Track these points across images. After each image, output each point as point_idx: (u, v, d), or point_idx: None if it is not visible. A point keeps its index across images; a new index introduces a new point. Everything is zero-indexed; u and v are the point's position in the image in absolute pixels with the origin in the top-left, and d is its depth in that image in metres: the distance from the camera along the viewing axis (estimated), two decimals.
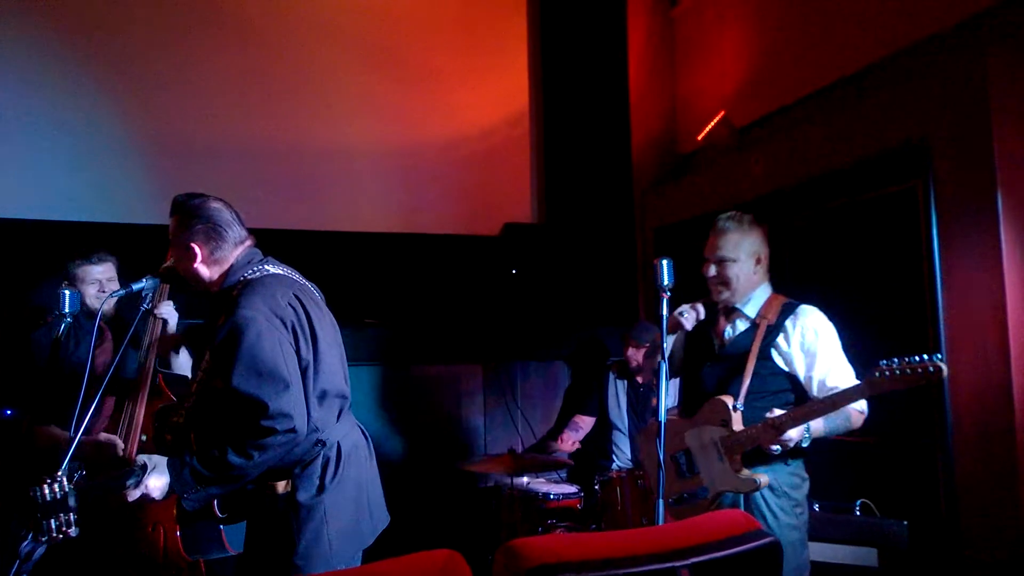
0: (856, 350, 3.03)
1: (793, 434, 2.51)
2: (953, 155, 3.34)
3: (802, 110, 4.46)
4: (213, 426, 2.21)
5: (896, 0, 3.89)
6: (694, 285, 3.00)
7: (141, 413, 2.82)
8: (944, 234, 3.39)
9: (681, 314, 2.85)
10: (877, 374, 2.36)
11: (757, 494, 2.62)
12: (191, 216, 2.32)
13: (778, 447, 2.54)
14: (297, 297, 2.29)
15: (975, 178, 3.24)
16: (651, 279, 2.59)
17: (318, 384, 2.26)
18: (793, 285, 4.10)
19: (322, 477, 2.26)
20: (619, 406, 4.36)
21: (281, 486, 2.24)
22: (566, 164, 5.32)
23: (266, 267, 2.35)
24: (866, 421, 2.67)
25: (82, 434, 2.12)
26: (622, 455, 4.30)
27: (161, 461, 2.15)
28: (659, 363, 2.49)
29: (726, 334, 2.83)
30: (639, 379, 4.33)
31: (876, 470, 3.54)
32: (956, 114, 3.31)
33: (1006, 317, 3.10)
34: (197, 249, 2.31)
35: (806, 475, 2.73)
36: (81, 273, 3.05)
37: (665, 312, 2.65)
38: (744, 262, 2.76)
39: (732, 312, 2.83)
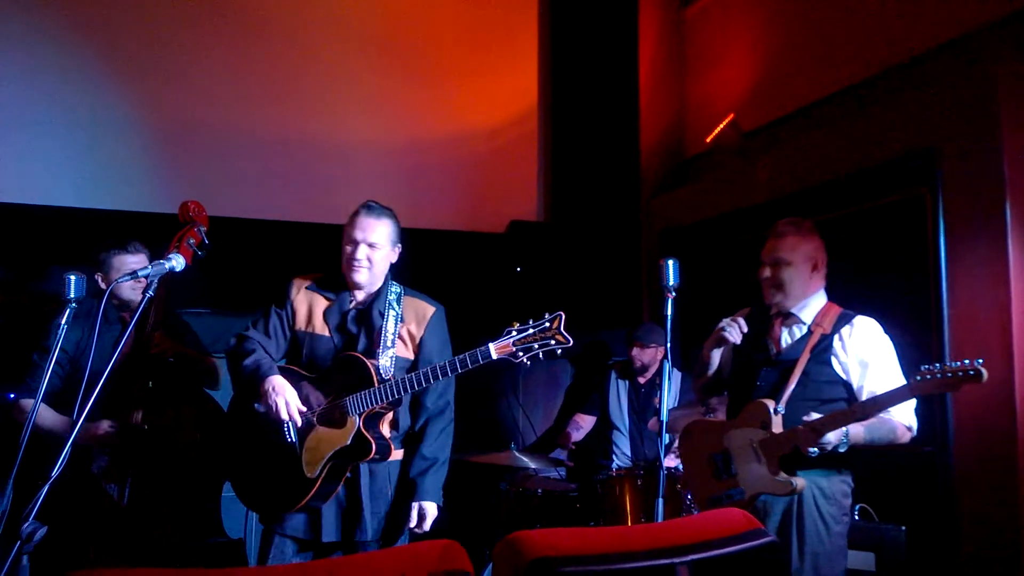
0: None
1: (831, 437, 2.48)
2: (962, 163, 3.33)
3: (810, 116, 4.45)
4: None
5: (907, 9, 3.88)
6: (699, 289, 2.99)
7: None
8: (951, 242, 3.38)
9: (724, 329, 2.81)
10: (919, 377, 2.35)
11: (811, 502, 2.60)
12: (397, 220, 2.71)
13: (815, 450, 2.51)
14: None
15: (983, 186, 3.23)
16: (655, 281, 2.58)
17: None
18: None
19: None
20: (620, 406, 4.36)
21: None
22: (573, 163, 5.31)
23: None
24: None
25: (84, 419, 2.12)
26: (621, 454, 4.30)
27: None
28: (662, 361, 2.50)
29: (783, 340, 2.79)
30: (641, 379, 4.33)
31: (875, 475, 3.53)
32: (965, 122, 3.31)
33: (1011, 326, 3.10)
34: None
35: (853, 484, 2.72)
36: (117, 263, 2.95)
37: (670, 312, 2.66)
38: (800, 266, 2.74)
39: (788, 317, 2.79)
